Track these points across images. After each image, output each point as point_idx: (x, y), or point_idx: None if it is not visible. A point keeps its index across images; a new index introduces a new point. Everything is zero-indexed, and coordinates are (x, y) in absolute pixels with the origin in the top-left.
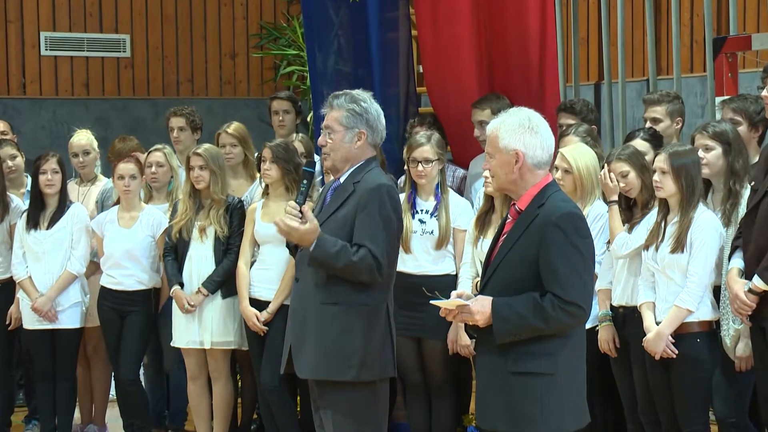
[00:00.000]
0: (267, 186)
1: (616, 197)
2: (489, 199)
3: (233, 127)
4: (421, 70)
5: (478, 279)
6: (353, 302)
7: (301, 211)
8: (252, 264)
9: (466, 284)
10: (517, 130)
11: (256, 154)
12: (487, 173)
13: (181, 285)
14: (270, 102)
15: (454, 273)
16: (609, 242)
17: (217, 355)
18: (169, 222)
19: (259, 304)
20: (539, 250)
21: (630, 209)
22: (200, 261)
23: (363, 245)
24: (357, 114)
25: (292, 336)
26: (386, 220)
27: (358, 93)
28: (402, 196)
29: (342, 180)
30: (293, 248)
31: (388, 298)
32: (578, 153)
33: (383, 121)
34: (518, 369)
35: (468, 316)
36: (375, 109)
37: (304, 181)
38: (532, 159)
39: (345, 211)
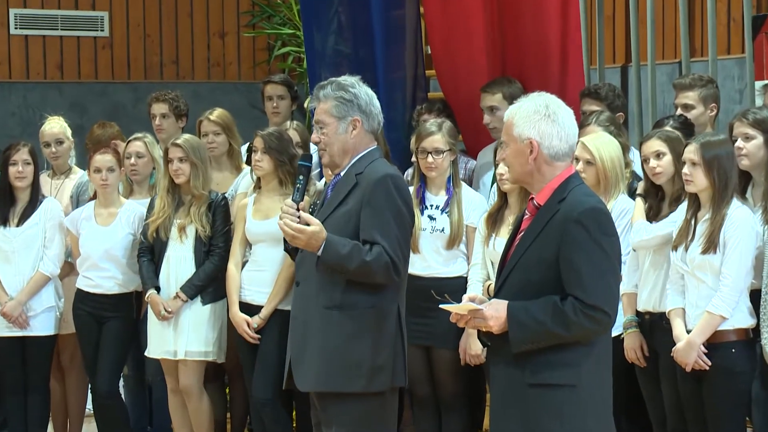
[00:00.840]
0: (259, 179)
1: (638, 215)
2: (502, 194)
3: (216, 113)
4: (429, 51)
5: (490, 282)
6: (360, 304)
7: (298, 210)
8: (243, 266)
9: (476, 288)
10: (533, 117)
11: (246, 145)
12: (502, 167)
13: (158, 289)
14: (263, 86)
15: (468, 275)
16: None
17: (189, 366)
18: (145, 220)
19: (250, 310)
20: (560, 249)
21: (659, 204)
22: (179, 263)
23: (375, 242)
24: (346, 101)
25: (292, 345)
26: (396, 214)
27: (344, 79)
28: (410, 190)
29: (342, 174)
30: (293, 250)
31: (400, 299)
32: (601, 143)
33: (377, 104)
34: (536, 380)
35: (481, 321)
36: (365, 92)
37: (300, 177)
38: (548, 149)
39: (348, 207)
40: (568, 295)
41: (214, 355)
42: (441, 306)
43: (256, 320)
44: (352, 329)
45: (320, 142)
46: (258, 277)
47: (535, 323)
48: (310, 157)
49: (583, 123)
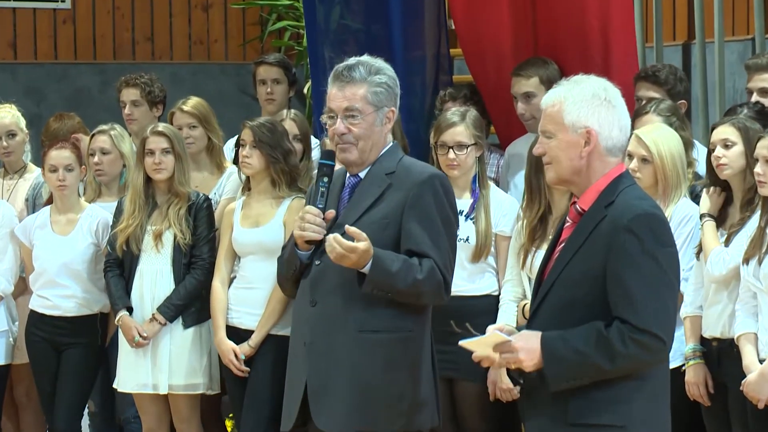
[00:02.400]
0: (248, 180)
1: (712, 210)
2: (542, 198)
3: (190, 103)
4: (453, 26)
5: (527, 302)
6: (397, 328)
7: (324, 220)
8: (230, 283)
9: (508, 309)
10: (590, 102)
11: (235, 139)
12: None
13: (130, 310)
14: (255, 68)
15: (497, 293)
16: (699, 252)
17: (181, 402)
18: (112, 228)
19: (239, 335)
20: (607, 262)
21: (724, 205)
22: (155, 278)
23: (425, 255)
24: (388, 88)
25: (310, 376)
26: (446, 222)
27: (375, 60)
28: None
29: (363, 174)
30: (304, 262)
31: (430, 323)
32: (659, 136)
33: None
34: (580, 420)
35: (511, 356)
36: (398, 79)
37: (324, 179)
38: (606, 141)
39: (384, 210)
40: (615, 318)
41: (205, 386)
42: (461, 343)
43: (245, 349)
44: (390, 357)
45: (347, 133)
46: (247, 297)
47: (575, 356)
48: (334, 154)
49: (638, 112)
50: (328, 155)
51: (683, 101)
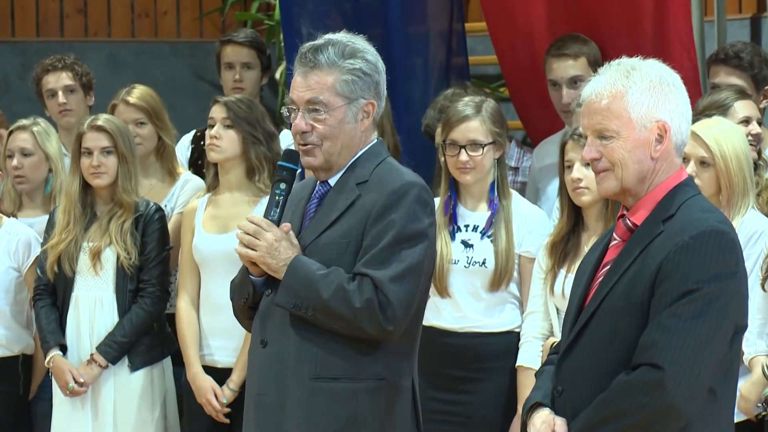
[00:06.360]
0: (215, 173)
1: None
2: (573, 211)
3: (137, 94)
4: None
5: (555, 340)
6: (363, 375)
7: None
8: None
9: (532, 348)
10: (659, 90)
11: (189, 137)
12: (579, 170)
13: (64, 349)
14: (220, 48)
15: (520, 329)
16: (766, 280)
17: None
18: (42, 245)
19: (215, 376)
20: (655, 287)
21: None
22: (93, 308)
23: (364, 274)
24: (363, 75)
25: None
26: (412, 237)
27: (352, 39)
28: (435, 203)
29: (333, 182)
30: (258, 290)
31: (413, 368)
32: (722, 133)
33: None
34: None
35: None
36: (381, 62)
37: (281, 185)
38: (676, 136)
39: (345, 228)
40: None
41: None
42: None
43: (225, 392)
44: (353, 411)
45: (310, 132)
46: (217, 325)
47: None
48: (297, 155)
49: (717, 103)
50: (289, 156)
51: None
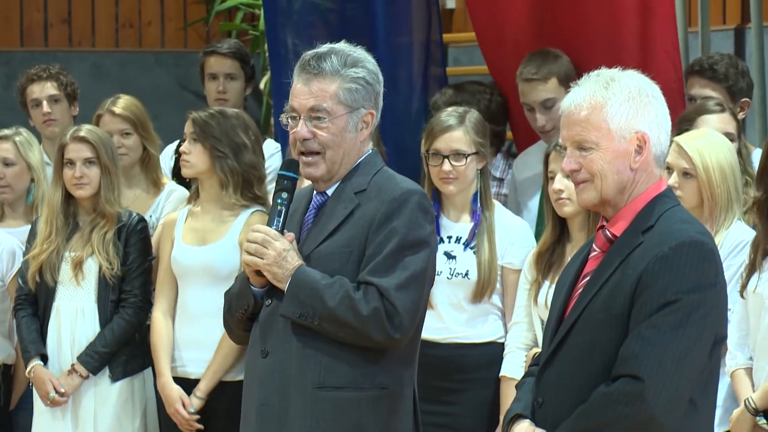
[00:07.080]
0: (197, 189)
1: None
2: (558, 222)
3: (122, 104)
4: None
5: (538, 350)
6: (367, 384)
7: None
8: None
9: (515, 359)
10: (638, 100)
11: (173, 146)
12: (560, 181)
13: (45, 359)
14: (204, 59)
15: (504, 340)
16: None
17: None
18: (24, 255)
19: (184, 385)
20: (634, 298)
21: None
22: (74, 318)
23: (369, 282)
24: (366, 84)
25: None
26: (415, 244)
27: (354, 50)
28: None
29: (331, 192)
30: (258, 301)
31: (413, 377)
32: (705, 144)
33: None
34: None
35: None
36: (381, 74)
37: (283, 194)
38: (656, 147)
39: (347, 237)
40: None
41: None
42: None
43: (193, 401)
44: (357, 419)
45: (312, 140)
46: (192, 337)
47: None
48: (297, 164)
49: (695, 113)
50: (289, 165)
51: (746, 99)
